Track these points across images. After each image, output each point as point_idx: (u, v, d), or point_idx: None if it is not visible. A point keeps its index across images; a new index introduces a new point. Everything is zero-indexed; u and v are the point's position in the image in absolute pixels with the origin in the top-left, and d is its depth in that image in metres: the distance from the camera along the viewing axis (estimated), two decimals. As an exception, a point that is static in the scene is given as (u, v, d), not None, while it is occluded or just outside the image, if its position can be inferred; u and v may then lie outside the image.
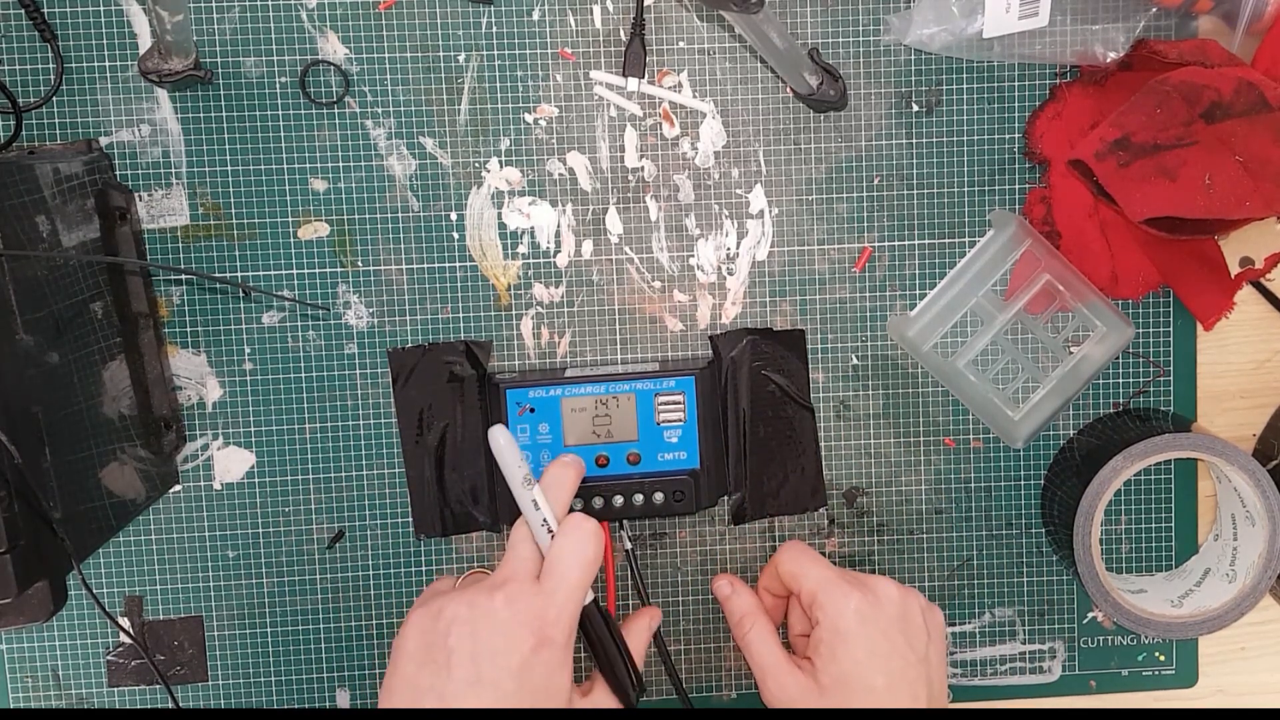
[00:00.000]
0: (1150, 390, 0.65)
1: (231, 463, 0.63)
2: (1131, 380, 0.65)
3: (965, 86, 0.62)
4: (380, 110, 0.61)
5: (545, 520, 0.53)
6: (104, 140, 0.60)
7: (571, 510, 0.59)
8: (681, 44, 0.61)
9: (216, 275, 0.61)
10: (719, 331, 0.63)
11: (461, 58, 0.61)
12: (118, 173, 0.60)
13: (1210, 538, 0.66)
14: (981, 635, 0.66)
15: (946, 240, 0.63)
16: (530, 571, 0.51)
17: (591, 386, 0.60)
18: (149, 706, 0.64)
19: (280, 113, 0.60)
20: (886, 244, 0.63)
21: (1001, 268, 0.63)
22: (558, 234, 0.62)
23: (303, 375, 0.62)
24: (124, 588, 0.63)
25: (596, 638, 0.54)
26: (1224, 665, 0.68)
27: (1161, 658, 0.67)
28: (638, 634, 0.58)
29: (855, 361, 0.64)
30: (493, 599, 0.49)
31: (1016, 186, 0.63)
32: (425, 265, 0.62)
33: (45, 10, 0.59)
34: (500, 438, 0.53)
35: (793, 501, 0.64)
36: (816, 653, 0.55)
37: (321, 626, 0.64)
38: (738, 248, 0.63)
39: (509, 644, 0.48)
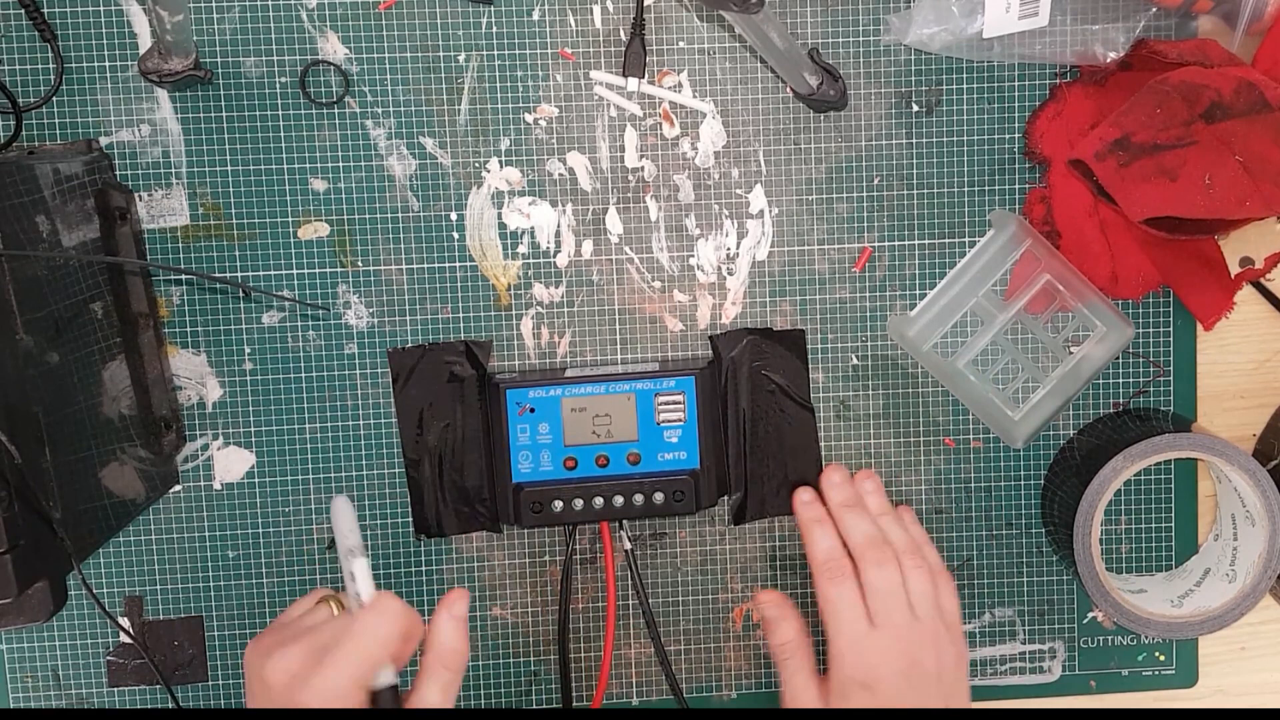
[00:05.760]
0: (1150, 390, 0.65)
1: (231, 463, 0.63)
2: (1131, 380, 0.65)
3: (965, 86, 0.62)
4: (380, 110, 0.61)
5: (358, 594, 0.50)
6: (104, 140, 0.60)
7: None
8: (681, 44, 0.61)
9: (216, 275, 0.61)
10: (719, 331, 0.63)
11: (461, 58, 0.61)
12: (118, 173, 0.60)
13: (1210, 538, 0.66)
14: (981, 635, 0.66)
15: (946, 240, 0.63)
16: (323, 643, 0.49)
17: (591, 386, 0.60)
18: (149, 706, 0.64)
19: (280, 113, 0.60)
20: (886, 244, 0.63)
21: (1001, 268, 0.63)
22: (558, 234, 0.62)
23: (303, 375, 0.62)
24: (124, 588, 0.63)
25: None
26: (1224, 665, 0.68)
27: (1161, 658, 0.67)
28: (444, 624, 0.52)
29: (855, 361, 0.64)
30: (277, 661, 0.48)
31: (1016, 186, 0.63)
32: (425, 265, 0.62)
33: (45, 10, 0.59)
34: (339, 506, 0.52)
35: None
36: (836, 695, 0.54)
37: (321, 626, 0.64)
38: (738, 248, 0.63)
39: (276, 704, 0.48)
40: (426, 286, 0.62)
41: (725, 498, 0.64)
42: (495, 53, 0.61)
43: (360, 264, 0.62)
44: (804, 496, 0.59)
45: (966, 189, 0.63)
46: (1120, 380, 0.65)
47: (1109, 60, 0.60)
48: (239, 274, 0.61)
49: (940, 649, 0.55)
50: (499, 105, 0.61)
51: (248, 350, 0.62)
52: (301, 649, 0.48)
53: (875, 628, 0.54)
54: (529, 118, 0.61)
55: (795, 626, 0.57)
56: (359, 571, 0.50)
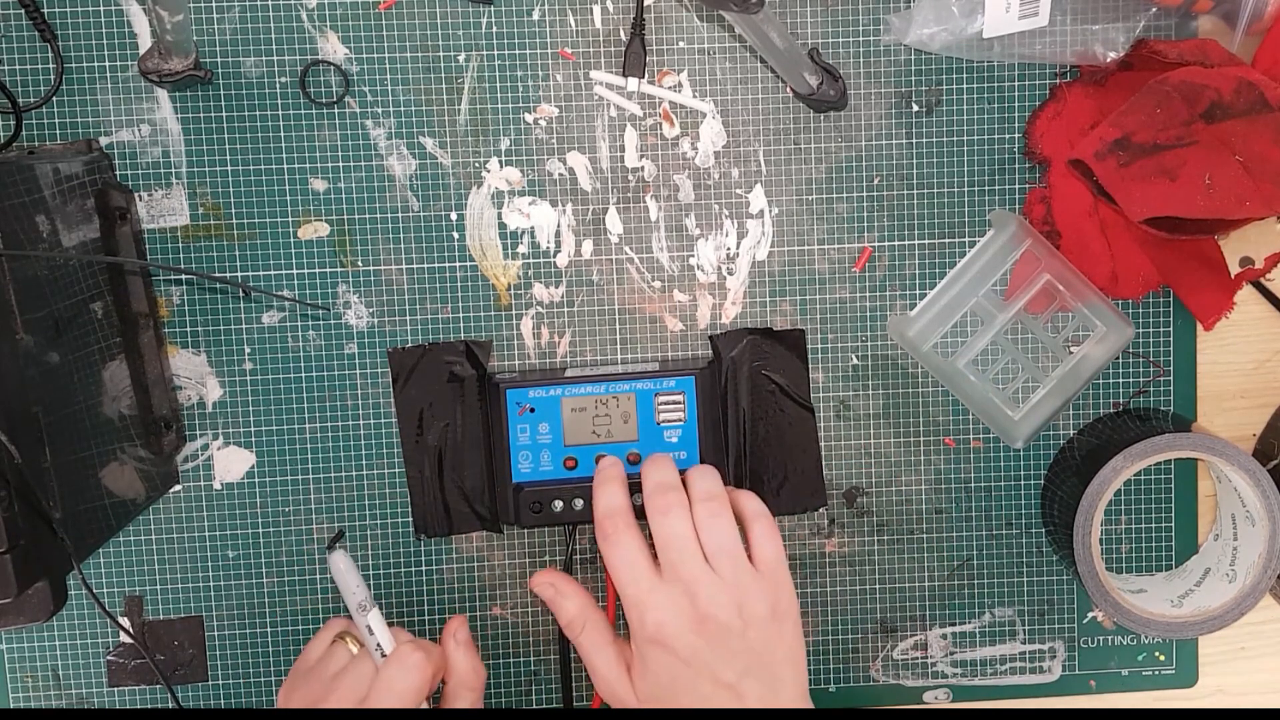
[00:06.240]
0: (1150, 390, 0.65)
1: (231, 463, 0.63)
2: (1131, 380, 0.65)
3: (965, 86, 0.62)
4: (380, 110, 0.61)
5: (379, 645, 0.54)
6: (104, 140, 0.60)
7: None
8: (681, 44, 0.61)
9: (216, 275, 0.61)
10: (719, 331, 0.63)
11: (461, 58, 0.61)
12: (118, 173, 0.60)
13: (1210, 538, 0.66)
14: (981, 635, 0.66)
15: (946, 240, 0.63)
16: (360, 694, 0.52)
17: (591, 386, 0.60)
18: (149, 706, 0.64)
19: (280, 113, 0.60)
20: (886, 244, 0.63)
21: (1001, 268, 0.63)
22: (558, 234, 0.62)
23: (303, 375, 0.62)
24: (124, 588, 0.63)
25: None
26: (1224, 665, 0.68)
27: (1161, 658, 0.67)
28: (455, 651, 0.56)
29: (855, 361, 0.64)
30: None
31: (1016, 186, 0.63)
32: (425, 265, 0.62)
33: (45, 10, 0.59)
34: (340, 563, 0.56)
35: (793, 501, 0.64)
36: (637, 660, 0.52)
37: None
38: (738, 248, 0.63)
39: None
40: (426, 286, 0.62)
41: (725, 498, 0.64)
42: (495, 53, 0.61)
43: (360, 264, 0.62)
44: (604, 462, 0.57)
45: (966, 189, 0.63)
46: (1120, 380, 0.65)
47: (1109, 60, 0.60)
48: (239, 274, 0.61)
49: (745, 599, 0.51)
50: (499, 105, 0.61)
51: (248, 350, 0.62)
52: (341, 706, 0.50)
53: (663, 581, 0.51)
54: (529, 118, 0.61)
55: (577, 601, 0.54)
56: (375, 625, 0.54)
